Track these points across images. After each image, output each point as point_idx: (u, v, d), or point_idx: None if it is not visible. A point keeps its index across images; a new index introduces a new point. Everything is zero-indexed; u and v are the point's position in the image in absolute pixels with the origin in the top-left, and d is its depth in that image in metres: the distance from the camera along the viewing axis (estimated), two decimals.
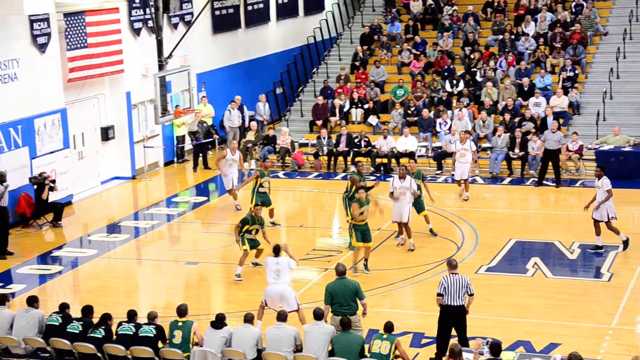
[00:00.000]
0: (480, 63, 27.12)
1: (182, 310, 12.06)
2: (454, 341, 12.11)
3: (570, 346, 12.60)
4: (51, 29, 20.80)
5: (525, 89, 25.70)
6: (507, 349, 12.40)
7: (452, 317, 12.33)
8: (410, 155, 23.97)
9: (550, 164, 21.93)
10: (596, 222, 17.09)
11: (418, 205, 18.03)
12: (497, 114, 25.31)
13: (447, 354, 10.79)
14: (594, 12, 28.08)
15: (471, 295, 12.38)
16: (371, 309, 14.63)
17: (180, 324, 11.89)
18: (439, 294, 12.32)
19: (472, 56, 27.39)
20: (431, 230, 18.35)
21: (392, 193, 17.43)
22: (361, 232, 16.04)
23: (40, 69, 20.60)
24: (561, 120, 24.76)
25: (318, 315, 11.82)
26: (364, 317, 12.84)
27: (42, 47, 20.61)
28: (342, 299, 12.46)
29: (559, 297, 15.31)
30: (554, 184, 21.88)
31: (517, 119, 24.49)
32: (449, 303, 12.23)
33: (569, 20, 28.11)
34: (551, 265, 16.71)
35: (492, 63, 26.99)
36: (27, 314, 12.35)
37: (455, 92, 26.44)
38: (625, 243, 17.23)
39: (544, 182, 22.15)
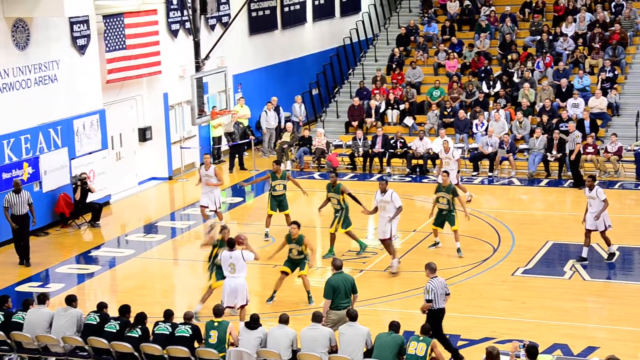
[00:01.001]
0: (517, 64, 26.91)
1: (218, 311, 12.14)
2: (490, 344, 12.02)
3: (608, 349, 12.47)
4: (90, 30, 21.04)
5: (564, 90, 25.44)
6: (544, 352, 12.30)
7: (441, 319, 12.56)
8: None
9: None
10: (588, 233, 16.51)
11: (450, 218, 17.24)
12: (534, 115, 25.10)
13: (485, 356, 10.71)
14: (634, 12, 27.72)
15: (448, 294, 12.71)
16: (406, 310, 14.66)
17: (216, 324, 11.95)
18: (428, 300, 12.45)
19: (509, 57, 27.20)
20: (458, 250, 17.30)
21: (376, 208, 16.83)
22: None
23: (79, 71, 20.85)
24: (600, 122, 24.51)
25: (353, 316, 11.81)
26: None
27: (81, 49, 20.86)
28: (342, 293, 12.76)
29: (597, 300, 15.15)
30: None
31: (554, 120, 24.26)
32: (439, 306, 12.51)
33: (608, 20, 27.79)
34: (589, 268, 16.52)
35: (529, 64, 26.77)
36: (66, 313, 12.49)
37: (492, 93, 26.27)
38: (611, 255, 16.77)
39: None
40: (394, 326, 11.56)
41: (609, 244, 16.72)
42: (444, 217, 17.31)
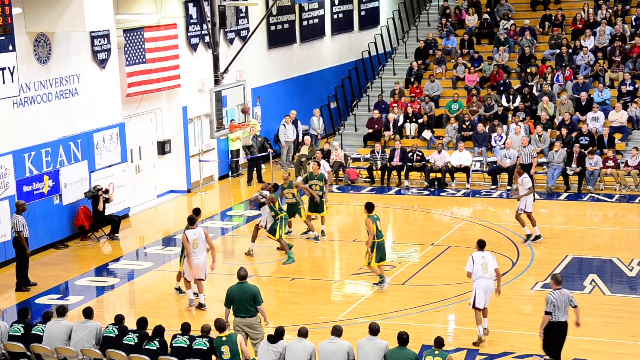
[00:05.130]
0: (536, 77, 26.84)
1: (221, 325, 12.06)
2: (509, 359, 11.93)
3: None
4: (111, 45, 21.21)
5: (583, 103, 25.34)
6: None
7: (559, 333, 12.37)
8: (465, 169, 23.85)
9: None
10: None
11: (319, 205, 19.26)
12: (553, 129, 25.00)
13: None
14: None
15: (575, 307, 12.51)
16: (424, 324, 14.59)
17: (224, 338, 11.88)
18: (547, 312, 12.31)
19: (528, 70, 27.13)
20: (322, 232, 19.54)
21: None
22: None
23: (99, 84, 21.01)
24: (619, 135, 24.38)
25: (374, 330, 11.76)
26: (267, 324, 13.12)
27: (102, 63, 21.02)
28: (241, 303, 12.89)
29: (617, 315, 15.02)
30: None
31: (574, 134, 24.16)
32: (558, 319, 12.30)
33: (628, 34, 27.67)
34: (609, 283, 16.41)
35: (548, 77, 26.69)
36: (85, 325, 12.54)
37: (512, 107, 26.20)
38: (528, 237, 18.74)
39: (600, 197, 21.79)
40: (403, 339, 11.39)
41: (522, 225, 18.73)
42: (316, 205, 19.29)
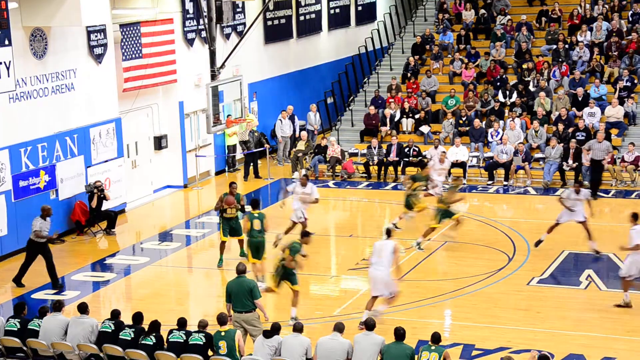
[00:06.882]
0: (533, 73, 26.85)
1: (223, 319, 12.05)
2: (506, 354, 11.95)
3: None
4: (107, 40, 21.17)
5: (580, 98, 25.35)
6: None
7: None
8: (461, 165, 23.86)
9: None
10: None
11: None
12: (550, 124, 25.01)
13: None
14: None
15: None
16: (421, 319, 14.60)
17: (223, 333, 11.88)
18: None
19: (525, 66, 27.13)
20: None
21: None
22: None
23: (96, 79, 20.98)
24: (615, 131, 24.39)
25: (370, 325, 11.77)
26: (266, 320, 13.05)
27: (98, 58, 20.98)
28: (238, 298, 12.85)
29: (613, 310, 15.04)
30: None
31: (570, 130, 24.17)
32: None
33: (625, 29, 27.68)
34: (605, 278, 16.43)
35: (545, 73, 26.69)
36: (81, 320, 12.54)
37: (508, 102, 26.21)
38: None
39: (599, 193, 21.81)
40: (400, 335, 11.44)
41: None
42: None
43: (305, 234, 14.82)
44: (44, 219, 16.81)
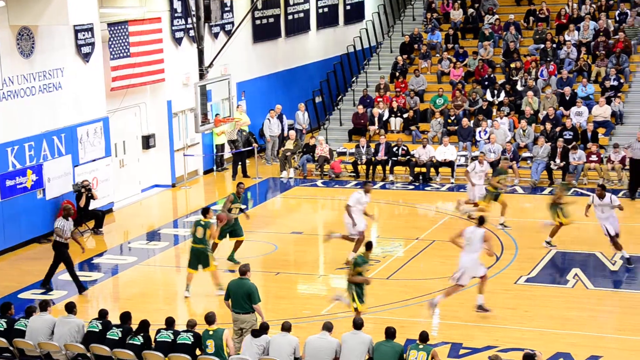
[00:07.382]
0: (521, 72, 26.92)
1: (209, 318, 12.05)
2: (493, 352, 11.96)
3: (611, 358, 12.41)
4: (95, 38, 21.10)
5: (567, 98, 25.44)
6: None
7: None
8: (450, 164, 23.90)
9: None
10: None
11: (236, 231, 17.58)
12: (537, 124, 25.09)
13: None
14: (638, 20, 27.74)
15: None
16: (409, 318, 14.62)
17: (211, 332, 11.87)
18: None
19: (513, 65, 27.20)
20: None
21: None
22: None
23: (83, 78, 20.90)
24: (603, 130, 24.48)
25: (357, 324, 11.79)
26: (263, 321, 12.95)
27: (86, 57, 20.91)
28: (235, 298, 12.90)
29: (600, 309, 15.11)
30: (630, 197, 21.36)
31: (558, 129, 24.25)
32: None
33: (612, 28, 27.79)
34: (592, 277, 16.50)
35: (533, 72, 26.77)
36: (67, 320, 12.50)
37: (496, 101, 26.26)
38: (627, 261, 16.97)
39: (584, 192, 21.87)
40: (391, 333, 11.49)
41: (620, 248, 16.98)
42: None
43: (369, 245, 14.55)
44: (66, 218, 16.54)
